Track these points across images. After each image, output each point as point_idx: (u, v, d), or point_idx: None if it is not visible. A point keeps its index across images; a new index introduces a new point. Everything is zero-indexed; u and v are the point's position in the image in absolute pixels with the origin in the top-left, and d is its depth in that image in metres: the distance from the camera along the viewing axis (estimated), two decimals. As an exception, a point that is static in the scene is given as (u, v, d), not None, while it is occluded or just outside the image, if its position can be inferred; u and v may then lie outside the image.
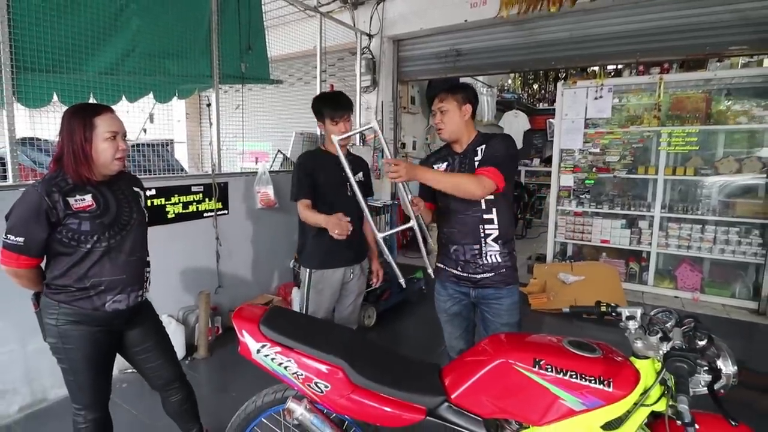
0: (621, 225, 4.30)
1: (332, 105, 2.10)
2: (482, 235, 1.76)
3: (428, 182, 1.62)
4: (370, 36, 4.83)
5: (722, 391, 1.16)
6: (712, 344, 1.17)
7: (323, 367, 1.23)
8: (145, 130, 2.88)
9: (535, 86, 10.41)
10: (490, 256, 1.77)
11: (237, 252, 3.40)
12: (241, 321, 1.31)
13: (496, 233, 1.76)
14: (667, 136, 4.00)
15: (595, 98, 4.21)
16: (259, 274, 3.63)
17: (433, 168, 1.86)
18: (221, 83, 3.18)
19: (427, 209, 1.86)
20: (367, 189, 2.29)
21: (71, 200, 1.39)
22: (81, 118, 1.41)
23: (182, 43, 2.87)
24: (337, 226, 1.90)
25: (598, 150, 4.36)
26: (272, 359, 1.26)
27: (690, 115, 3.97)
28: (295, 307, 2.20)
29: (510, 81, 9.47)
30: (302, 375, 1.24)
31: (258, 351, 1.27)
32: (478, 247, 1.77)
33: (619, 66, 4.36)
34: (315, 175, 2.10)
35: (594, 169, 4.38)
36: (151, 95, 2.80)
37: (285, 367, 1.25)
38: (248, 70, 3.37)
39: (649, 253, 4.23)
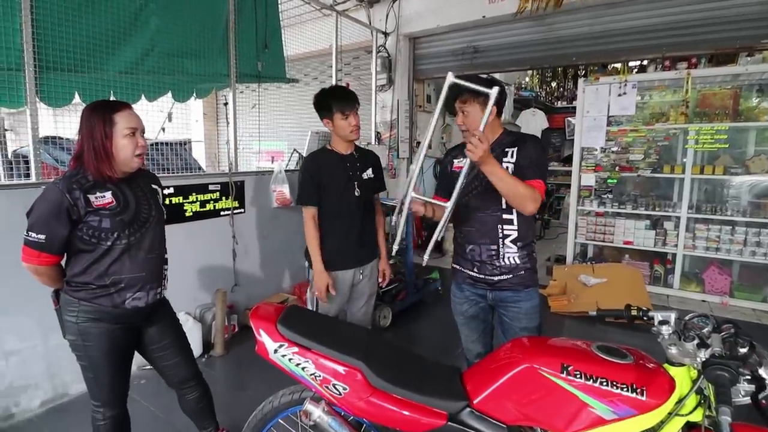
0: (645, 226, 4.16)
1: (342, 98, 2.01)
2: (500, 235, 1.69)
3: (491, 175, 1.48)
4: (385, 34, 4.79)
5: (764, 401, 1.09)
6: (753, 352, 1.10)
7: (341, 369, 1.20)
8: (163, 129, 2.89)
9: (553, 84, 10.22)
10: (508, 257, 1.69)
11: (253, 250, 3.40)
12: (259, 320, 1.28)
13: (514, 234, 1.68)
14: (694, 133, 3.86)
15: (619, 95, 4.09)
16: (275, 272, 3.63)
17: (453, 162, 1.81)
18: (238, 82, 3.19)
19: (444, 204, 1.79)
20: (378, 185, 2.22)
21: (92, 197, 1.39)
22: (100, 115, 1.41)
23: (200, 43, 2.88)
24: (319, 286, 2.00)
25: (621, 148, 4.24)
26: (290, 359, 1.23)
27: (719, 112, 3.82)
28: (309, 307, 2.17)
29: (527, 79, 9.31)
30: (320, 376, 1.21)
31: (275, 351, 1.25)
32: (495, 247, 1.69)
33: (644, 62, 4.22)
34: (320, 176, 2.03)
35: (617, 168, 4.25)
36: (169, 94, 2.82)
37: (303, 368, 1.22)
38: (265, 69, 3.37)
39: (674, 255, 4.08)
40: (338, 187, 2.04)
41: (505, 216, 1.68)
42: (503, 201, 1.66)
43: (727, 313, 3.70)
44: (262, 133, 3.74)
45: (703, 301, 3.93)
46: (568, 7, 3.89)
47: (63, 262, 1.49)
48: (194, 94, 2.98)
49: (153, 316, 1.59)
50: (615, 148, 4.26)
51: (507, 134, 1.73)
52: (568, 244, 4.55)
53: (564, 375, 1.15)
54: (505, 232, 1.68)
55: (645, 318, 1.39)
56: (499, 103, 1.68)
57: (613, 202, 4.30)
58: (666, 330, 1.26)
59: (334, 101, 2.00)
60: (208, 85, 3.10)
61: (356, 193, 2.07)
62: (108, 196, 1.42)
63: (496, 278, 1.71)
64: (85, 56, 2.32)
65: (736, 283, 3.93)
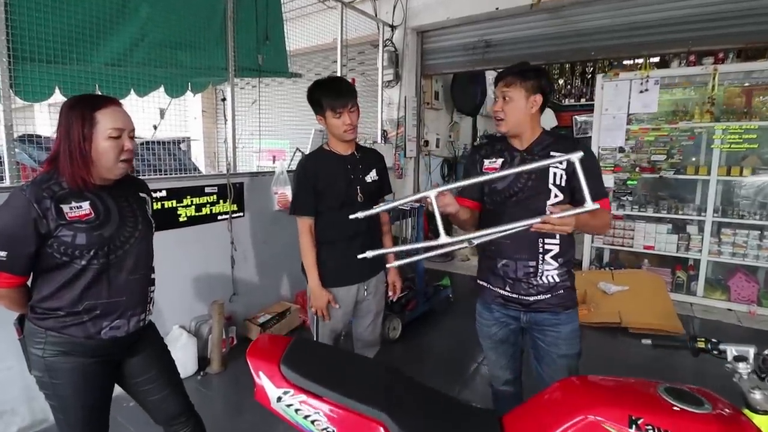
0: (667, 230, 3.94)
1: (333, 93, 1.71)
2: (540, 250, 1.46)
3: (583, 228, 1.41)
4: (392, 27, 4.56)
5: None
6: None
7: (361, 422, 0.98)
8: (155, 127, 2.67)
9: (561, 81, 9.98)
10: (547, 275, 1.48)
11: (253, 257, 3.18)
12: (258, 359, 1.06)
13: (556, 250, 1.47)
14: (721, 132, 3.63)
15: (640, 91, 3.86)
16: (277, 280, 3.42)
17: (484, 163, 1.58)
18: (237, 76, 2.96)
19: (467, 209, 1.54)
20: (383, 188, 1.97)
21: (65, 207, 1.17)
22: (80, 112, 1.19)
23: (195, 33, 2.65)
24: (318, 305, 1.80)
25: (641, 148, 4.01)
26: (297, 410, 1.01)
27: (748, 110, 3.59)
28: (312, 327, 1.95)
29: (535, 76, 9.04)
30: None
31: (279, 399, 1.03)
32: (534, 264, 1.47)
33: (666, 57, 3.99)
34: (317, 181, 1.78)
35: (637, 169, 4.03)
36: (162, 89, 2.59)
37: (312, 421, 1.00)
38: (265, 63, 3.14)
39: (698, 260, 3.86)
40: (338, 192, 1.79)
41: None
42: (547, 210, 1.44)
43: (755, 323, 3.49)
44: (263, 131, 3.52)
45: (729, 310, 3.72)
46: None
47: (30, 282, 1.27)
48: (189, 89, 2.76)
49: (136, 345, 1.37)
50: (636, 148, 4.04)
51: (547, 135, 1.51)
52: (585, 248, 4.32)
53: (633, 430, 0.94)
54: (546, 247, 1.46)
55: (715, 352, 1.19)
56: (546, 95, 1.46)
57: (633, 204, 4.08)
58: (744, 368, 1.07)
59: (324, 96, 1.73)
60: (205, 79, 2.87)
61: (359, 199, 1.81)
62: (85, 207, 1.20)
63: (531, 298, 1.50)
64: (66, 46, 2.10)
65: (763, 290, 3.71)
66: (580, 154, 1.12)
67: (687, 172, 3.84)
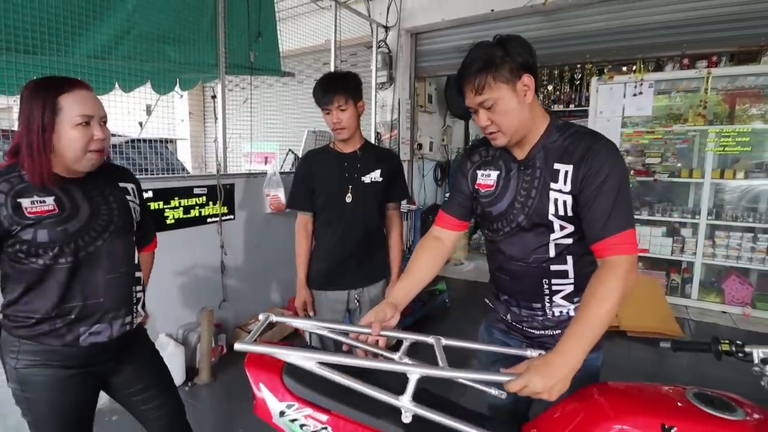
0: (662, 233, 3.94)
1: (320, 89, 1.66)
2: (546, 292, 1.17)
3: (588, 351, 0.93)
4: (386, 28, 4.51)
5: None
6: None
7: (373, 439, 0.89)
8: (141, 124, 2.55)
9: (550, 87, 10.03)
10: (560, 311, 1.18)
11: (244, 261, 3.06)
12: (258, 369, 0.96)
13: (569, 290, 1.16)
14: (715, 135, 3.65)
15: (634, 95, 3.87)
16: (269, 285, 3.30)
17: (477, 176, 1.22)
18: (228, 74, 2.85)
19: (448, 231, 1.29)
20: (388, 192, 1.82)
21: (25, 202, 1.05)
22: (41, 98, 1.06)
23: (185, 27, 2.54)
24: (296, 304, 1.82)
25: (636, 151, 4.02)
26: (302, 425, 0.91)
27: (741, 113, 3.62)
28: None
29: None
30: (343, 449, 0.90)
31: (282, 413, 0.93)
32: (539, 305, 1.19)
33: (660, 61, 4.00)
34: (311, 178, 1.76)
35: (632, 172, 4.02)
36: (148, 85, 2.48)
37: (319, 438, 0.91)
38: (257, 60, 3.04)
39: (692, 263, 3.86)
40: (328, 191, 1.75)
41: (554, 267, 1.14)
42: (551, 247, 1.12)
43: (749, 325, 3.49)
44: (256, 133, 3.42)
45: (724, 312, 3.72)
46: (584, 1, 3.67)
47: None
48: (178, 86, 2.65)
49: (124, 353, 1.26)
50: (630, 151, 4.03)
51: (553, 128, 1.09)
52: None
53: (669, 442, 0.86)
54: (555, 288, 1.16)
55: (740, 355, 1.13)
56: (529, 64, 1.02)
57: (627, 207, 4.06)
58: (775, 372, 0.99)
59: (315, 92, 1.70)
60: (194, 75, 2.76)
61: (347, 200, 1.74)
62: (49, 202, 1.08)
63: (536, 332, 1.21)
64: (47, 36, 1.98)
65: (757, 293, 3.72)
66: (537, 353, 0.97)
67: (681, 175, 3.85)
